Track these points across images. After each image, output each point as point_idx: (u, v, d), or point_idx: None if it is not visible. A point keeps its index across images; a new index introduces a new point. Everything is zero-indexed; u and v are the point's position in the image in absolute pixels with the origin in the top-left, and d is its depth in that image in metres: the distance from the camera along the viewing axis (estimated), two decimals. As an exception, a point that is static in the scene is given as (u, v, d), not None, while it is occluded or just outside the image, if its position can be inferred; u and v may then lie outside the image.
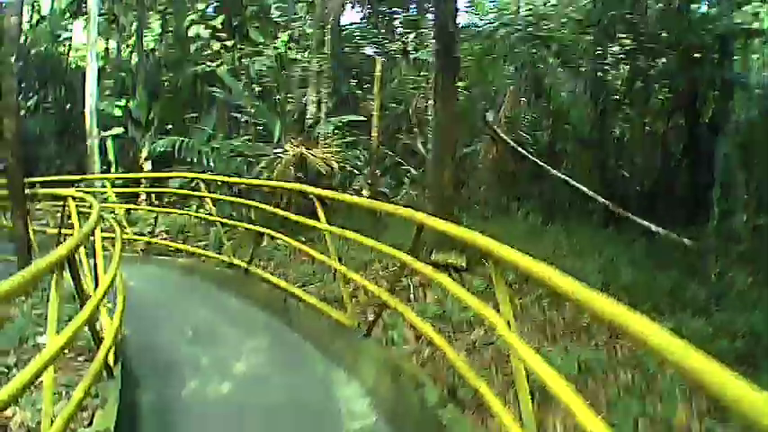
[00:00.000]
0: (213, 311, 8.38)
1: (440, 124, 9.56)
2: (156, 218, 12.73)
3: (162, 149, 14.51)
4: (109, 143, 20.25)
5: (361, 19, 19.71)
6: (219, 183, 12.01)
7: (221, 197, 12.13)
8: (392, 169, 15.95)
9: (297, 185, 9.72)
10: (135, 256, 11.57)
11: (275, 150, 12.59)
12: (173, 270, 10.94)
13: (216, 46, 14.45)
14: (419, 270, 5.19)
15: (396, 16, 19.83)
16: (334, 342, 6.53)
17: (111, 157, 20.10)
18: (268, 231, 8.79)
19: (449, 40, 9.31)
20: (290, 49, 14.16)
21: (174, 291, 9.82)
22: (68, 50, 24.84)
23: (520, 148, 13.38)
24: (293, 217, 8.16)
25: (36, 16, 24.19)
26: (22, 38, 29.00)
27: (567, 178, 12.24)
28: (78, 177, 14.51)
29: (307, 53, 14.86)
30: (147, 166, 18.38)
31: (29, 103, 24.87)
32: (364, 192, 13.47)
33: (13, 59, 8.87)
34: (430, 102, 12.03)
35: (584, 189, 11.71)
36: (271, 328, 7.55)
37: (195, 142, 13.43)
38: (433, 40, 10.88)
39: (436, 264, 7.67)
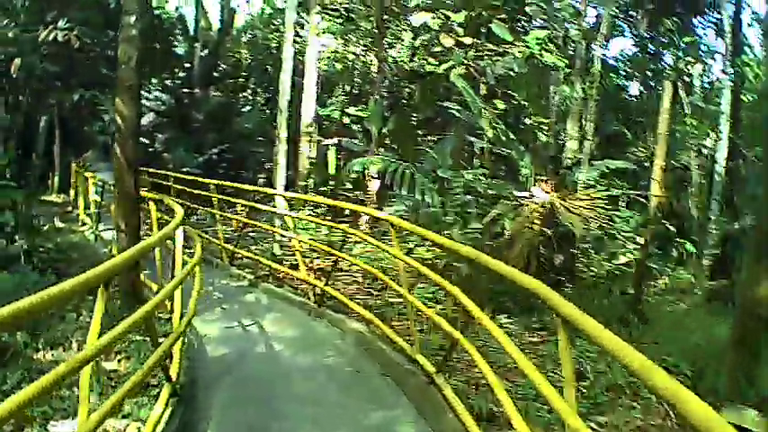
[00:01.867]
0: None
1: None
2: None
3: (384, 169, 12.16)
4: (330, 153, 18.70)
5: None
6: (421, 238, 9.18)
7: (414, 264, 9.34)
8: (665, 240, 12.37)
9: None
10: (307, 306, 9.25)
11: (518, 193, 9.73)
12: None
13: (447, 41, 11.42)
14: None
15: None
16: None
17: (330, 169, 18.50)
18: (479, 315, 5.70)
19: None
20: (545, 50, 10.73)
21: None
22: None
23: None
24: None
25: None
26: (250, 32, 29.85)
27: None
28: (249, 188, 12.76)
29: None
30: (374, 185, 16.38)
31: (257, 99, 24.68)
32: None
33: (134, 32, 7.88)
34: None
35: None
36: None
37: (417, 172, 10.64)
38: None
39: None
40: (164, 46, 24.43)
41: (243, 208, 13.74)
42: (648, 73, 18.90)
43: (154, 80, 28.95)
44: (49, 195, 21.43)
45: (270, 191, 12.08)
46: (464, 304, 4.47)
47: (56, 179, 22.61)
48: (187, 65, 27.28)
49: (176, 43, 27.47)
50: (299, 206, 14.23)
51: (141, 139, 27.18)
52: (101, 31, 17.80)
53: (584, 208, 9.26)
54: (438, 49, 12.39)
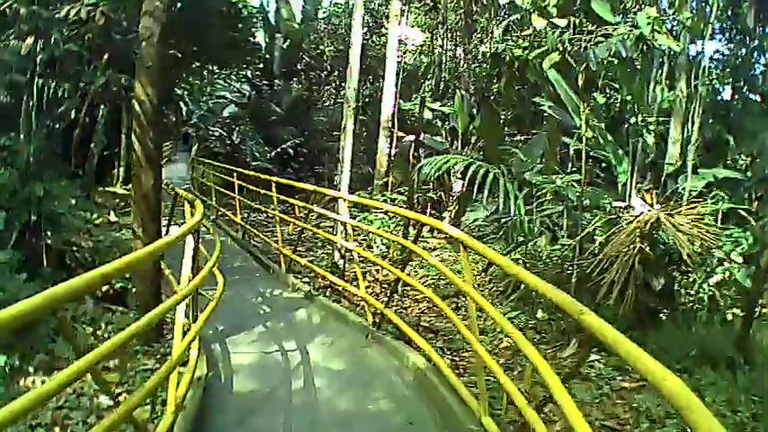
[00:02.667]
0: None
1: None
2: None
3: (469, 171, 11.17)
4: (412, 151, 17.91)
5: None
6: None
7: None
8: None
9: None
10: (364, 328, 7.93)
11: (616, 203, 8.67)
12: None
13: (539, 22, 10.00)
14: None
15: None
16: None
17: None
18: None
19: None
20: (657, 32, 9.02)
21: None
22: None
23: None
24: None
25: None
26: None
27: None
28: (308, 188, 11.49)
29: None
30: (458, 186, 15.51)
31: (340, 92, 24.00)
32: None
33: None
34: None
35: None
36: None
37: (502, 174, 9.50)
38: None
39: None
40: (242, 36, 24.10)
41: (302, 210, 13.02)
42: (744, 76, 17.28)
43: (230, 74, 28.99)
44: (113, 187, 21.34)
45: (328, 192, 10.58)
46: (541, 373, 3.37)
47: (121, 170, 22.53)
48: (268, 56, 27.03)
49: (256, 34, 27.27)
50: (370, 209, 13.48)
51: (220, 131, 27.81)
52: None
53: (692, 224, 8.12)
54: (528, 32, 11.10)
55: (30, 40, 10.24)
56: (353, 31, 11.68)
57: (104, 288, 7.91)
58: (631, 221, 7.78)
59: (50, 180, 9.39)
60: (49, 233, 8.49)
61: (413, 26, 23.97)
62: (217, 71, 33.56)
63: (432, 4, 19.80)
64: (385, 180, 16.21)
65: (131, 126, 21.45)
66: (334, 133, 22.65)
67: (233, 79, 30.21)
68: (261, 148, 22.53)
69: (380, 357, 6.83)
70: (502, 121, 16.72)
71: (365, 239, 13.03)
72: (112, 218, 14.76)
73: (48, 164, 11.29)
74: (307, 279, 10.31)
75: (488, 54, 16.00)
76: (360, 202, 9.67)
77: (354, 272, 9.23)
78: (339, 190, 10.67)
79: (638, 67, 10.10)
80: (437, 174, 12.11)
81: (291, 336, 7.62)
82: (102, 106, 19.64)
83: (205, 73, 38.91)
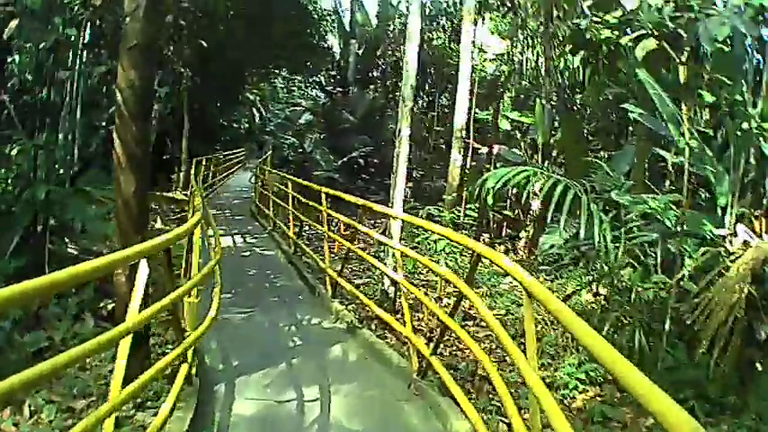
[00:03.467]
0: None
1: None
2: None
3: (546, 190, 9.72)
4: (488, 164, 16.82)
5: None
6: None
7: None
8: None
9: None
10: (406, 374, 6.56)
11: (717, 231, 7.34)
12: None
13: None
14: None
15: None
16: None
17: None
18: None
19: None
20: None
21: None
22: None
23: None
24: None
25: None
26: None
27: None
28: (359, 201, 9.01)
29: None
30: (536, 205, 14.34)
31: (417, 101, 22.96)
32: None
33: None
34: None
35: None
36: None
37: (584, 193, 8.00)
38: None
39: None
40: (310, 39, 23.58)
41: (347, 227, 11.72)
42: None
43: (304, 80, 28.52)
44: (172, 192, 20.94)
45: (378, 207, 8.36)
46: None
47: (181, 174, 22.13)
48: (342, 62, 26.42)
49: (330, 39, 26.74)
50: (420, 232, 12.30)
51: (292, 138, 27.33)
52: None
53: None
54: (618, 14, 9.29)
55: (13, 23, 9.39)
56: (411, 17, 10.59)
57: (110, 306, 7.38)
58: (738, 256, 6.48)
59: (91, 183, 9.04)
60: (52, 239, 7.95)
61: (492, 33, 22.87)
62: (290, 77, 33.47)
63: (509, 7, 18.60)
64: (457, 195, 15.12)
65: (192, 130, 20.85)
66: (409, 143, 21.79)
67: (308, 86, 29.83)
68: (327, 157, 21.76)
69: (419, 417, 5.54)
70: (585, 133, 15.39)
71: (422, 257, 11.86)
72: (158, 224, 14.20)
73: (91, 164, 10.86)
74: (354, 306, 9.05)
75: (569, 34, 14.28)
76: (412, 222, 7.54)
77: (410, 300, 7.74)
78: (392, 206, 9.47)
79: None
80: (508, 189, 10.91)
81: (317, 380, 6.40)
82: (156, 106, 19.22)
83: (280, 80, 39.04)
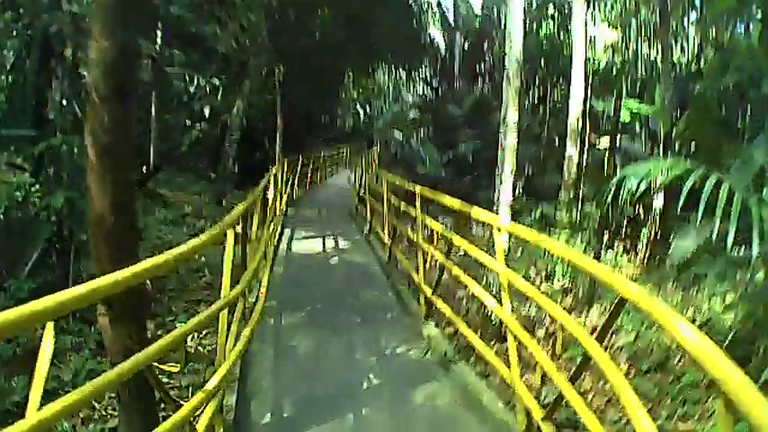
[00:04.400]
0: None
1: None
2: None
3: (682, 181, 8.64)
4: (606, 158, 15.90)
5: None
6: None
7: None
8: None
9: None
10: None
11: None
12: None
13: None
14: None
15: None
16: None
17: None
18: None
19: None
20: None
21: None
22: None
23: None
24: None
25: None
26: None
27: None
28: (454, 203, 7.68)
29: None
30: (658, 202, 13.47)
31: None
32: None
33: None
34: None
35: None
36: None
37: (730, 183, 6.98)
38: None
39: None
40: (416, 35, 23.20)
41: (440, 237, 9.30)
42: None
43: (410, 75, 28.21)
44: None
45: (477, 214, 6.73)
46: None
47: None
48: (448, 56, 25.91)
49: (434, 33, 26.33)
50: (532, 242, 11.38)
51: (400, 135, 27.13)
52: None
53: None
54: None
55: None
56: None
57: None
58: None
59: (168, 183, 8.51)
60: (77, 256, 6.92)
61: (602, 21, 21.94)
62: (394, 73, 33.34)
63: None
64: (573, 193, 14.38)
65: (284, 132, 20.42)
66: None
67: (414, 82, 29.58)
68: (433, 153, 21.28)
69: None
70: (716, 125, 14.32)
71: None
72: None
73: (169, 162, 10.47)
74: (451, 330, 7.58)
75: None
76: (524, 237, 5.68)
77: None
78: (497, 210, 8.11)
79: None
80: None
81: None
82: (239, 101, 19.19)
83: (384, 76, 39.02)
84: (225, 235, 5.07)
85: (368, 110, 42.49)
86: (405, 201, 11.10)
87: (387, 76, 38.10)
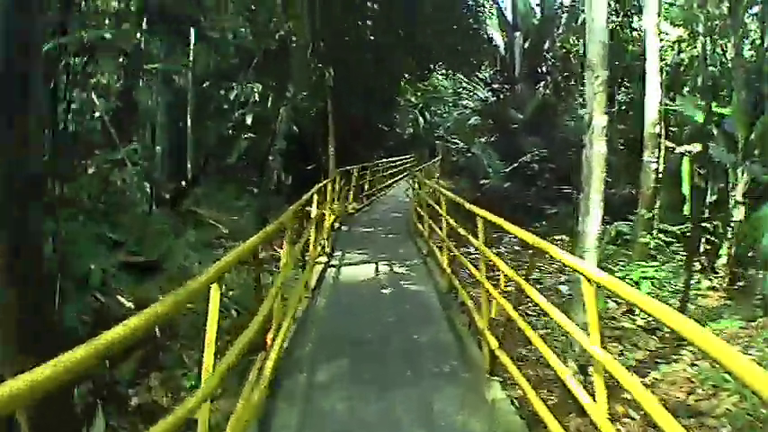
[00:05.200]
0: None
1: None
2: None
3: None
4: (684, 165, 14.33)
5: None
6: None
7: None
8: None
9: None
10: None
11: None
12: None
13: None
14: None
15: None
16: None
17: (684, 188, 14.05)
18: None
19: None
20: None
21: None
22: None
23: None
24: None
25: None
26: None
27: None
28: (518, 232, 6.22)
29: None
30: (740, 214, 12.09)
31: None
32: None
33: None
34: None
35: None
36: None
37: None
38: None
39: None
40: (474, 35, 22.16)
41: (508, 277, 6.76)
42: None
43: (470, 78, 27.14)
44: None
45: (556, 253, 5.08)
46: None
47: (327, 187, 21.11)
48: (507, 57, 24.77)
49: (493, 32, 25.24)
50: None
51: (460, 142, 26.08)
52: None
53: None
54: None
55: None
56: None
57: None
58: None
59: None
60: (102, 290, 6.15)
61: (665, 19, 20.54)
62: (453, 76, 32.20)
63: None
64: (652, 210, 12.97)
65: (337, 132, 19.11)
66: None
67: (473, 86, 28.45)
68: (495, 162, 20.14)
69: None
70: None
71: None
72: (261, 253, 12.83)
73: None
74: (521, 391, 5.69)
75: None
76: (615, 292, 4.09)
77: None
78: (581, 241, 7.06)
79: None
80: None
81: None
82: (281, 109, 18.33)
83: (443, 79, 37.92)
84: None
85: (428, 116, 41.45)
86: (466, 219, 9.58)
87: (446, 79, 37.01)
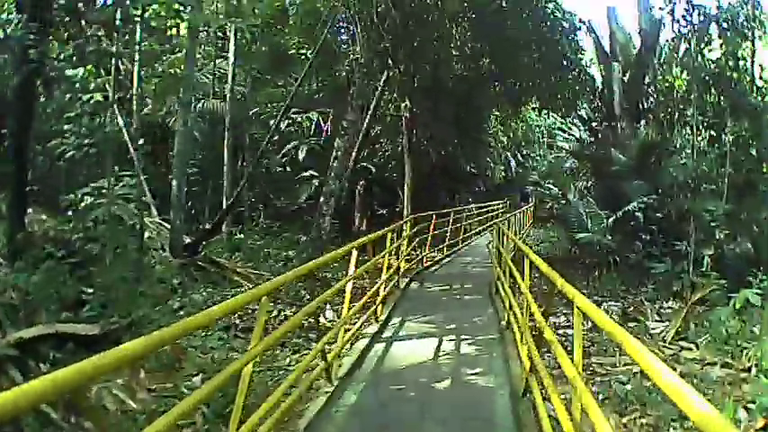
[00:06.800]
0: None
1: None
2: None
3: None
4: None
5: None
6: None
7: None
8: None
9: None
10: None
11: None
12: None
13: None
14: None
15: None
16: None
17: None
18: None
19: None
20: None
21: None
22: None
23: None
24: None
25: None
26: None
27: None
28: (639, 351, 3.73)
29: None
30: None
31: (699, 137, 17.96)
32: None
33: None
34: None
35: None
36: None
37: None
38: None
39: None
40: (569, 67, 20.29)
41: None
42: None
43: (565, 117, 25.27)
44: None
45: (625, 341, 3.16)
46: None
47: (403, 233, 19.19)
48: (605, 92, 22.64)
49: (586, 64, 23.26)
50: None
51: (554, 188, 23.92)
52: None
53: None
54: None
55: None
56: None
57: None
58: None
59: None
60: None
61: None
62: (547, 115, 30.15)
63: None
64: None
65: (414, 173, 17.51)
66: (702, 188, 16.77)
67: (568, 125, 26.37)
68: (594, 211, 17.88)
69: None
70: None
71: None
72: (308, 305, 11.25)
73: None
74: None
75: None
76: None
77: None
78: None
79: None
80: None
81: None
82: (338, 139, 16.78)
83: (542, 121, 35.84)
84: None
85: (520, 158, 39.32)
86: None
87: (539, 117, 34.99)
